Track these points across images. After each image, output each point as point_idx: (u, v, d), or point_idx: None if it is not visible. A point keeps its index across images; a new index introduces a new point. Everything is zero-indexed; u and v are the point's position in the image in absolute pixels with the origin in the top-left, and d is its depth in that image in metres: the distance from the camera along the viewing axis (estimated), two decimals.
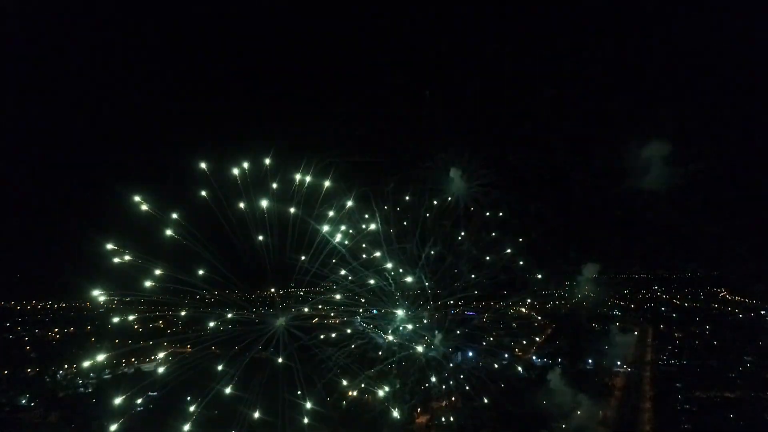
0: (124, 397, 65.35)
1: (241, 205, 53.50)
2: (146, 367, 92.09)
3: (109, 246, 47.45)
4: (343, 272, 56.59)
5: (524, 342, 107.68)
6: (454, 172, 70.68)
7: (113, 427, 53.75)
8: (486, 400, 62.70)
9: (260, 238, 53.30)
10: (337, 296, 58.63)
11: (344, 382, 71.47)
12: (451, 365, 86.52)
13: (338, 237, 54.77)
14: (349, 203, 53.87)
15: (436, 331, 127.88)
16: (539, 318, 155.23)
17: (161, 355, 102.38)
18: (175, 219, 51.40)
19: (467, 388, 70.52)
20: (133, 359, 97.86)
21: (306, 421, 55.85)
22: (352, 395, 67.88)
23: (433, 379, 75.22)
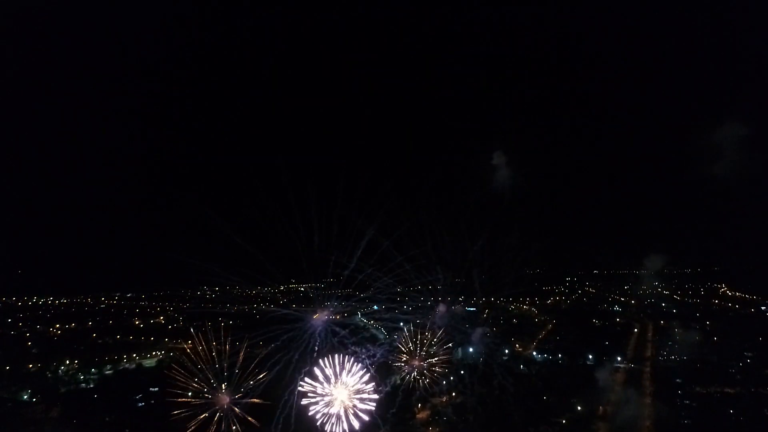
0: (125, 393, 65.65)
1: None
2: (147, 362, 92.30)
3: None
4: None
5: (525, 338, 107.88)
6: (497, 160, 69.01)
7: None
8: (485, 397, 62.83)
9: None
10: None
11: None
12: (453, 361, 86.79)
13: None
14: None
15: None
16: (539, 314, 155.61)
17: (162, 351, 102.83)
18: None
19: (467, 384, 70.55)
20: (134, 355, 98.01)
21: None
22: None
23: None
